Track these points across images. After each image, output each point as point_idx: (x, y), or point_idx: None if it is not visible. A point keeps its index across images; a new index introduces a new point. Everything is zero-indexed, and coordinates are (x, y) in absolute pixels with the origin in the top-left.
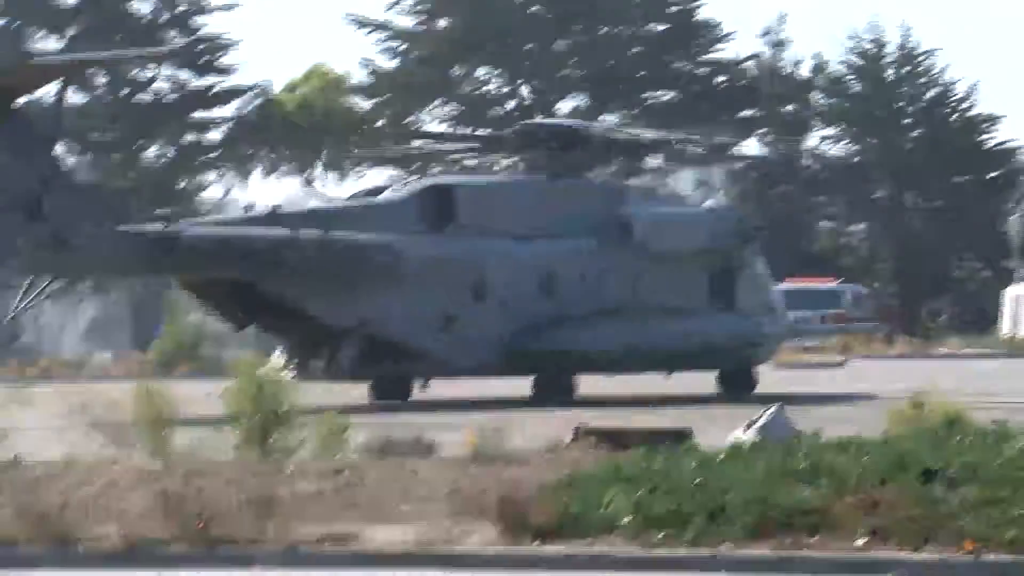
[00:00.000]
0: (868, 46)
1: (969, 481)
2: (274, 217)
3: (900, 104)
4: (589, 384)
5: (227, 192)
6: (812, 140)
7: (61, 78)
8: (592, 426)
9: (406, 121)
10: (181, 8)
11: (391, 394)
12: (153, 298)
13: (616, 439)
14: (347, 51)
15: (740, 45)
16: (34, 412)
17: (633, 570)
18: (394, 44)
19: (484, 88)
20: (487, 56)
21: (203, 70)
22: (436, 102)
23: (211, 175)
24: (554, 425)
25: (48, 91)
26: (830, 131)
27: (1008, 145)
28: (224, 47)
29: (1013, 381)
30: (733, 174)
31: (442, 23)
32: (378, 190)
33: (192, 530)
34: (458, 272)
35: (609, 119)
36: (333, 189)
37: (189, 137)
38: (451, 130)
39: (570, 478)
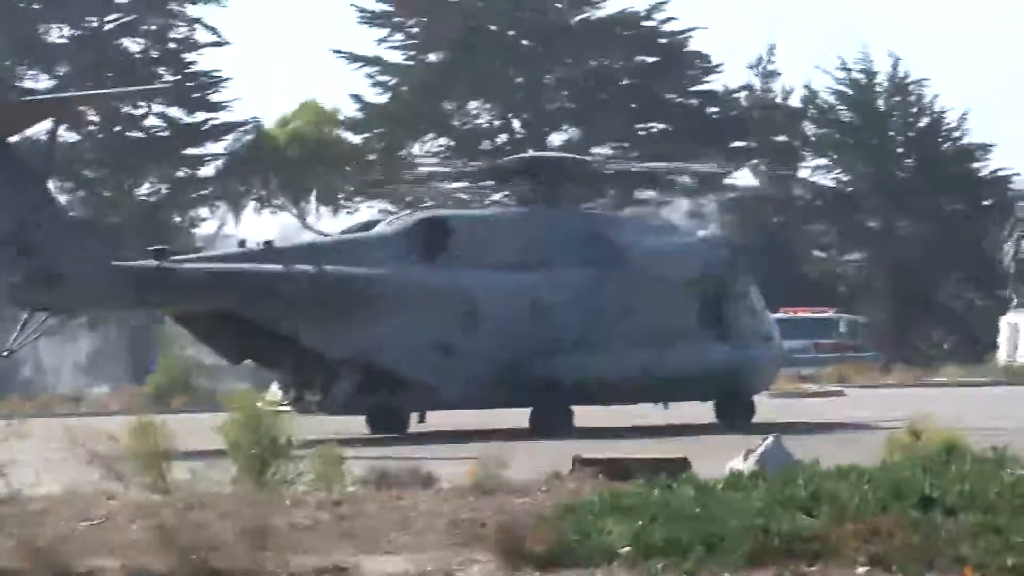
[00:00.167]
0: (858, 76)
1: (968, 508)
2: (268, 251)
3: (891, 133)
4: (587, 415)
5: (220, 227)
6: (804, 170)
7: (52, 117)
8: (590, 456)
9: (398, 154)
10: (171, 45)
11: (387, 426)
12: (148, 332)
13: (615, 469)
14: (337, 86)
15: (730, 76)
16: (33, 446)
17: None
18: (384, 78)
19: (475, 121)
20: (478, 90)
21: (195, 106)
22: (428, 136)
23: (204, 210)
24: (552, 455)
25: (40, 128)
26: (822, 161)
27: (1000, 173)
28: (215, 83)
29: (1012, 408)
30: (726, 204)
31: (432, 57)
32: (371, 224)
33: (190, 562)
34: (452, 304)
35: (601, 151)
36: (326, 223)
37: (181, 173)
38: (442, 165)
39: (569, 508)
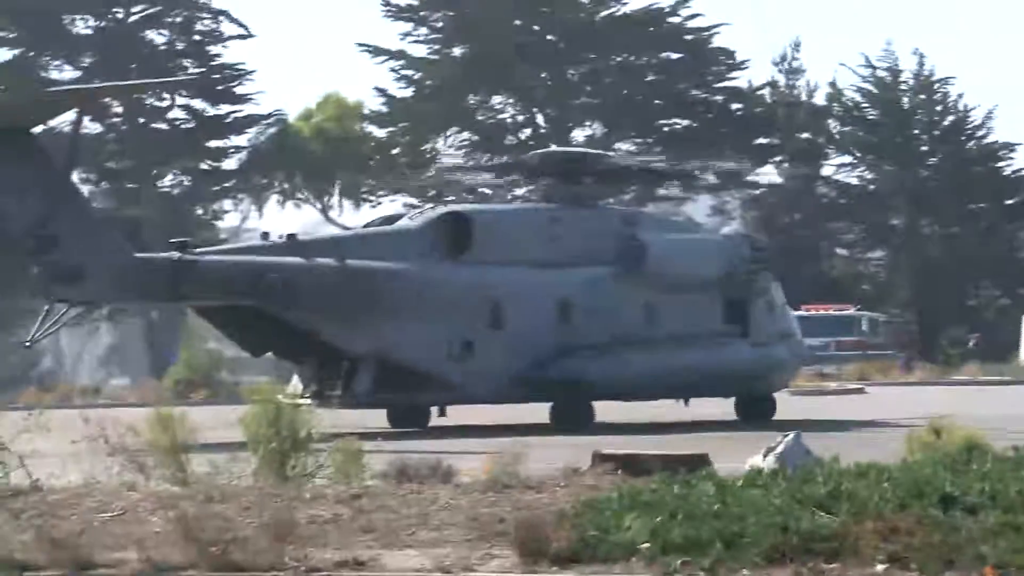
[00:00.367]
0: (883, 73)
1: (989, 507)
2: (291, 245)
3: (916, 131)
4: (607, 410)
5: (243, 220)
6: (828, 168)
7: (76, 109)
8: (610, 452)
9: (422, 149)
10: (196, 37)
11: (407, 421)
12: (169, 325)
13: (634, 465)
14: (361, 80)
15: (755, 73)
16: (53, 438)
17: None
18: (409, 72)
19: (499, 116)
20: (502, 85)
21: (219, 99)
22: (452, 130)
23: (227, 203)
24: (572, 451)
25: (64, 120)
26: (846, 158)
27: None
28: (239, 76)
29: None
30: (749, 201)
31: (457, 52)
32: (394, 218)
33: (210, 555)
34: (474, 300)
35: (624, 147)
36: (349, 217)
37: (204, 165)
38: (467, 159)
39: (588, 504)
